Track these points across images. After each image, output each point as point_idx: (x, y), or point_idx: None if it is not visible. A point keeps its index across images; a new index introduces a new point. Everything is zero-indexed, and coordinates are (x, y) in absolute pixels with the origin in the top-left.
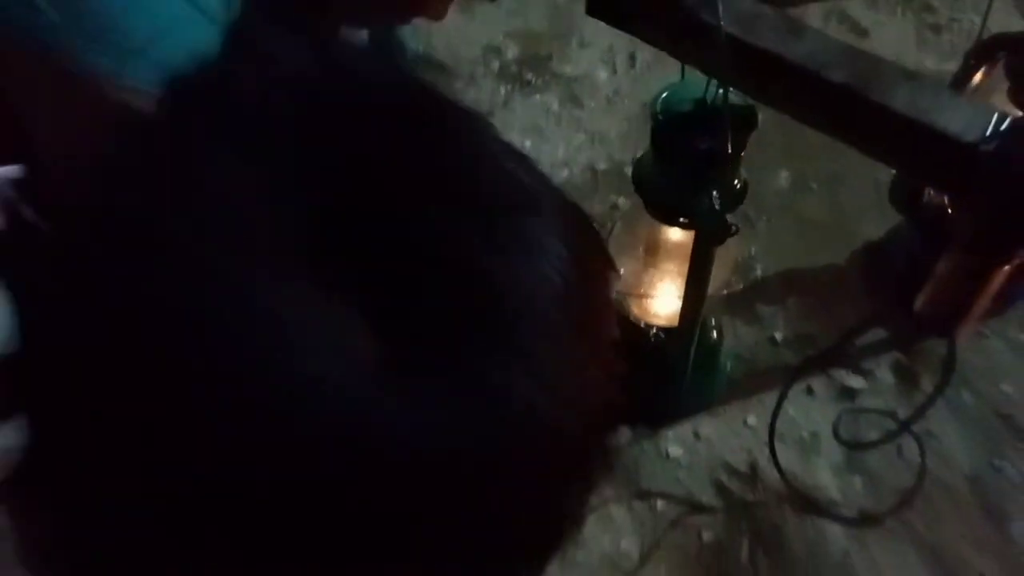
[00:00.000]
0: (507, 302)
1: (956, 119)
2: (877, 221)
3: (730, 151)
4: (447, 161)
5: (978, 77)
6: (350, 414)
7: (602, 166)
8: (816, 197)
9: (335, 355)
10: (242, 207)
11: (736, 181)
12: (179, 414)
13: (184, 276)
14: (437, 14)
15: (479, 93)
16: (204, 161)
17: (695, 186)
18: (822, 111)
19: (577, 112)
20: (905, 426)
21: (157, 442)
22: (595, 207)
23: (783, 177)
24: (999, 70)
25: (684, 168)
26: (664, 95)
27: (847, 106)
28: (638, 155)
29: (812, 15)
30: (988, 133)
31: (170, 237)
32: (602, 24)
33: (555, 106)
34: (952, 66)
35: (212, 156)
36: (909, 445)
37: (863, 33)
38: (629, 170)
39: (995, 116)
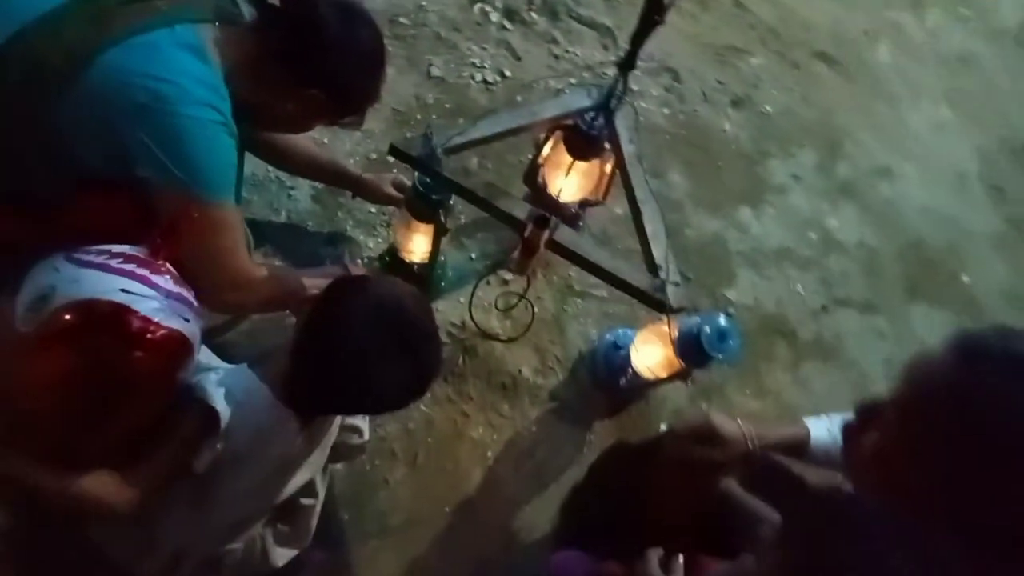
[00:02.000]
0: None
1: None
2: None
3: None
4: None
5: (548, 147)
6: None
7: (373, 156)
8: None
9: None
10: None
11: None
12: None
13: None
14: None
15: None
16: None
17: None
18: None
19: None
20: (522, 297)
21: None
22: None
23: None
24: (559, 140)
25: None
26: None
27: None
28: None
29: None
30: None
31: None
32: None
33: None
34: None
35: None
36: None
37: (519, 58)
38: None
39: None
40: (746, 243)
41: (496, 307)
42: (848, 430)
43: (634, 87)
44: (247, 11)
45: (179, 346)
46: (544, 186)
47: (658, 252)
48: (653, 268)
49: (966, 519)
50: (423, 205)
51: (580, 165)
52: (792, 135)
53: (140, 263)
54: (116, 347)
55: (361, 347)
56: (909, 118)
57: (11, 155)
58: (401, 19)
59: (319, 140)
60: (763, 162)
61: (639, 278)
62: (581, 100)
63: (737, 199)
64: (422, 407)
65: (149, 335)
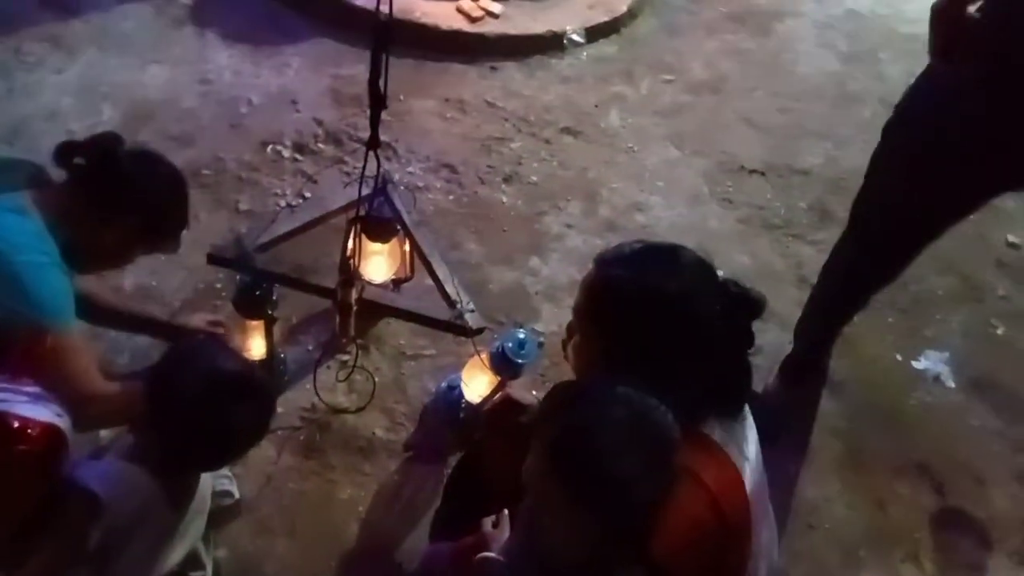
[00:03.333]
0: None
1: None
2: None
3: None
4: None
5: (351, 238)
6: None
7: (201, 286)
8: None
9: None
10: None
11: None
12: None
13: None
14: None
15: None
16: None
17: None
18: None
19: None
20: (356, 365)
21: None
22: None
23: None
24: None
25: None
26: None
27: None
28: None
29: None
30: None
31: None
32: None
33: None
34: None
35: None
36: None
37: (314, 181)
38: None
39: None
40: (541, 284)
41: (337, 380)
42: (564, 342)
43: (420, 183)
44: (56, 173)
45: (57, 438)
46: (357, 273)
47: (451, 289)
48: (450, 302)
49: (634, 363)
50: (249, 302)
51: (381, 247)
52: (558, 193)
53: (4, 379)
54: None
55: (199, 397)
56: (646, 161)
57: None
58: (203, 171)
59: (148, 283)
60: (540, 219)
61: (441, 312)
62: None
63: (526, 252)
64: (290, 484)
65: (29, 431)
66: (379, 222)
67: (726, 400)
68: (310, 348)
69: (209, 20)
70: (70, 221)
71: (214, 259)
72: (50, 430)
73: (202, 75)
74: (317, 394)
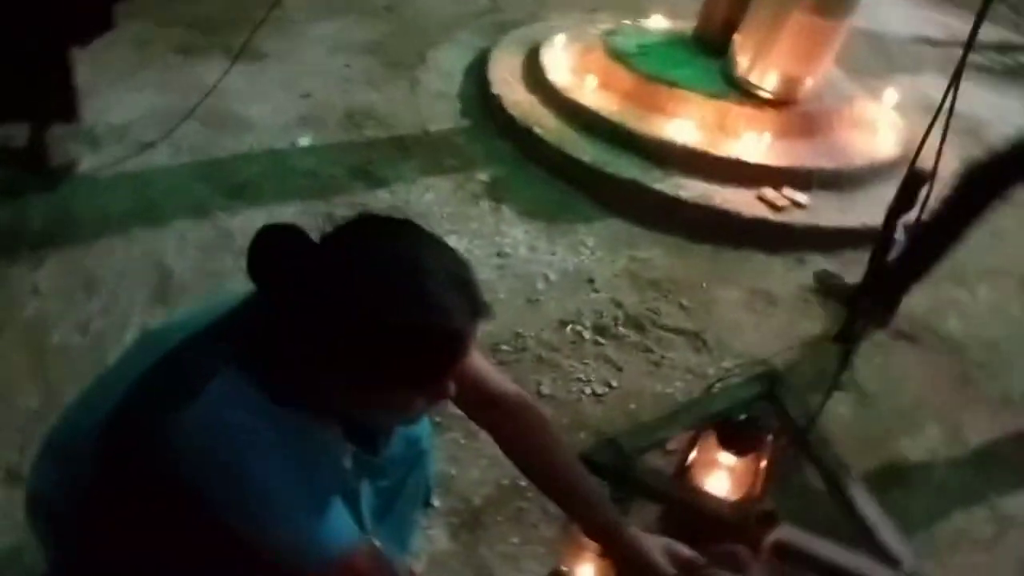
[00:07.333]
0: None
1: None
2: None
3: None
4: None
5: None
6: None
7: (505, 482)
8: None
9: None
10: None
11: None
12: None
13: None
14: None
15: None
16: None
17: None
18: None
19: None
20: None
21: None
22: None
23: None
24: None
25: None
26: None
27: None
28: None
29: None
30: None
31: None
32: None
33: None
34: None
35: None
36: None
37: (620, 368)
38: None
39: None
40: None
41: None
42: None
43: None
44: None
45: None
46: (694, 488)
47: (888, 538)
48: (890, 560)
49: None
50: None
51: (732, 460)
52: (905, 411)
53: None
54: None
55: None
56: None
57: None
58: (502, 346)
59: (446, 471)
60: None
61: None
62: (744, 391)
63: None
64: None
65: None
66: (745, 428)
67: None
68: None
69: (504, 196)
70: None
71: (585, 462)
72: None
73: (498, 248)
74: None
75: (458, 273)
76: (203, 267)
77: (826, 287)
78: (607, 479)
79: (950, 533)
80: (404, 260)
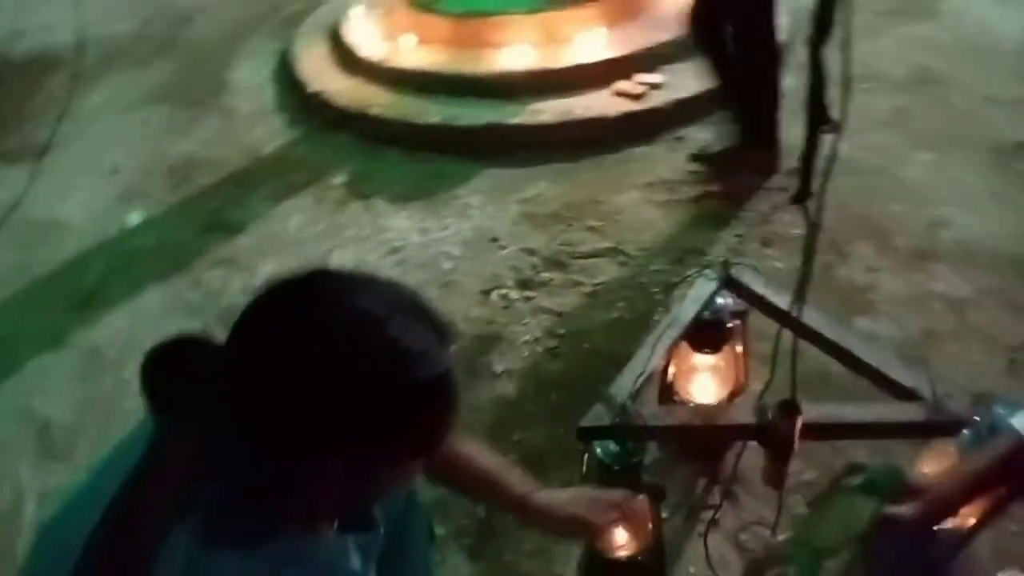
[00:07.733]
0: None
1: None
2: None
3: None
4: None
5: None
6: None
7: None
8: None
9: None
10: None
11: None
12: None
13: None
14: None
15: None
16: None
17: None
18: None
19: None
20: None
21: None
22: None
23: None
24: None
25: None
26: None
27: None
28: None
29: None
30: None
31: None
32: None
33: None
34: None
35: None
36: None
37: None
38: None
39: None
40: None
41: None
42: None
43: None
44: None
45: None
46: (681, 400)
47: (902, 374)
48: (908, 395)
49: None
50: (620, 481)
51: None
52: (839, 239)
53: None
54: None
55: None
56: (905, 176)
57: None
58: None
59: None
60: (834, 268)
61: (908, 412)
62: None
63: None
64: None
65: None
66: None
67: None
68: (664, 516)
69: (370, 191)
70: None
71: (588, 433)
72: None
73: (388, 245)
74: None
75: (406, 304)
76: (82, 399)
77: (707, 157)
78: (618, 438)
79: None
80: (348, 323)
